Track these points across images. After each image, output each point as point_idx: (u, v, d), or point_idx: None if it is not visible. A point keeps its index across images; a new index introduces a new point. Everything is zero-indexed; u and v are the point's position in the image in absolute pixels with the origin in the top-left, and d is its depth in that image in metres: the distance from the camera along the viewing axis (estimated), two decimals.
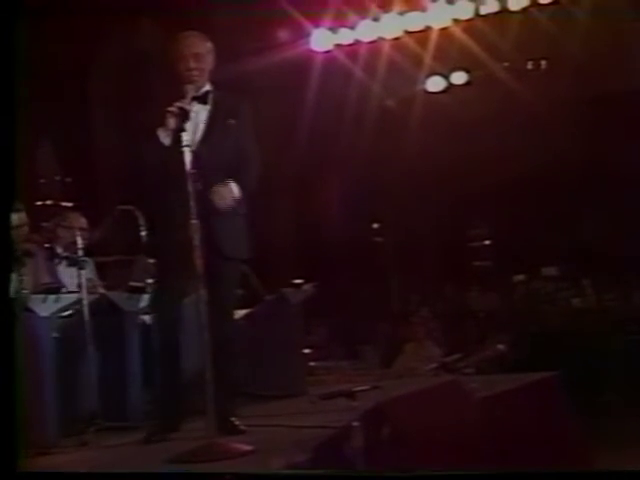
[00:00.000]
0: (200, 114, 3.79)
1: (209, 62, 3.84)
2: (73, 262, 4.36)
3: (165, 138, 3.65)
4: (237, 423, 3.70)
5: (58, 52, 7.36)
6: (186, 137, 3.56)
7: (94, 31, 7.48)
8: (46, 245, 4.76)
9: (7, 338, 2.92)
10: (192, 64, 3.76)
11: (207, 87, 3.86)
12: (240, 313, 5.27)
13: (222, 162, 3.78)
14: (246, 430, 3.68)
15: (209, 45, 3.86)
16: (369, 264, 9.33)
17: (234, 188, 3.73)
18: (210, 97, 3.84)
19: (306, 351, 5.98)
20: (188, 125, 3.62)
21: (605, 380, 6.51)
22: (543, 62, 8.39)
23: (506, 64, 8.42)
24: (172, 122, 3.61)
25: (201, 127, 3.79)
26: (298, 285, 5.43)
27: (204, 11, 7.13)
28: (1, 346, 2.90)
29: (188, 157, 3.51)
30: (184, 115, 3.61)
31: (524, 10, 7.83)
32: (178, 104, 3.65)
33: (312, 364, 6.41)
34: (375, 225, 9.66)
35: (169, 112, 3.62)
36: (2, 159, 2.98)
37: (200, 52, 3.81)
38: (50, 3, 6.67)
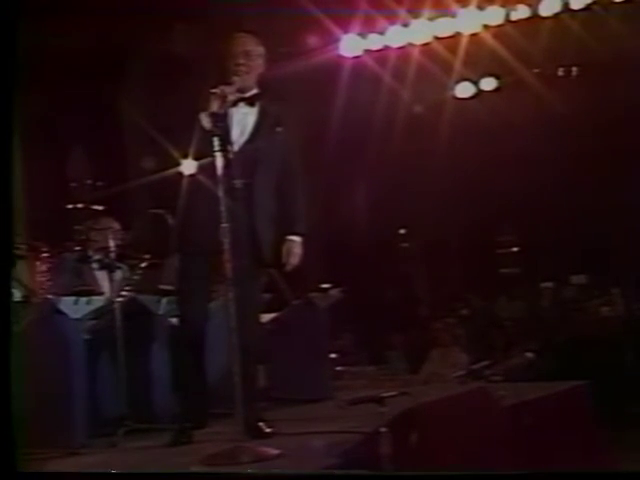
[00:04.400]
0: (248, 116, 3.81)
1: (259, 63, 3.86)
2: (105, 265, 4.41)
3: (205, 120, 3.56)
4: (264, 427, 3.71)
5: (78, 50, 7.42)
6: (232, 138, 3.61)
7: (114, 30, 7.52)
8: (78, 248, 4.82)
9: (4, 339, 2.96)
10: (241, 60, 3.79)
11: (255, 90, 3.87)
12: (267, 317, 5.30)
13: (264, 167, 3.80)
14: (273, 434, 3.69)
15: (261, 48, 3.88)
16: (396, 270, 9.33)
17: (299, 245, 3.87)
18: (258, 101, 3.85)
19: (333, 356, 5.98)
20: (235, 127, 3.69)
21: (634, 391, 6.43)
22: (574, 69, 8.34)
23: (536, 70, 8.38)
24: (213, 119, 3.55)
25: (248, 130, 3.80)
26: (325, 290, 5.43)
27: (233, 15, 7.17)
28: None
29: (226, 159, 3.49)
30: (224, 115, 3.60)
31: (555, 16, 7.79)
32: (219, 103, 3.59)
33: (339, 369, 6.41)
34: (402, 231, 9.65)
35: (213, 96, 3.56)
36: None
37: (250, 50, 3.83)
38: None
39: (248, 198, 3.75)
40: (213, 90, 3.59)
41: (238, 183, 3.62)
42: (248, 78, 3.83)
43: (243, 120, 3.78)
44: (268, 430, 3.70)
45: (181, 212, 3.88)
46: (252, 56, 3.83)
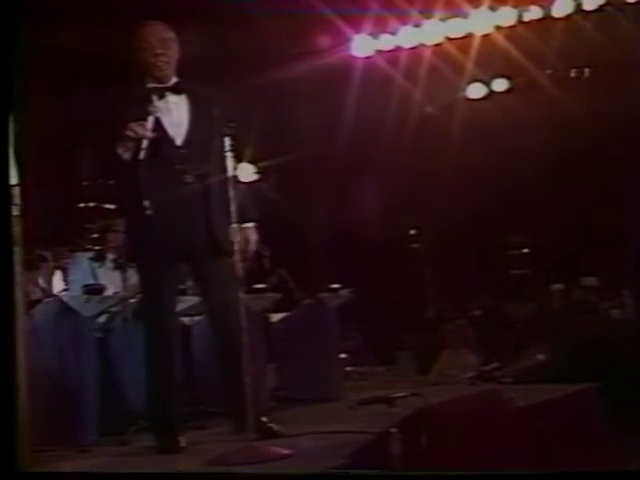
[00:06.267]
0: (180, 105, 3.70)
1: (175, 50, 3.74)
2: (119, 265, 4.42)
3: (124, 153, 3.53)
4: (274, 427, 3.71)
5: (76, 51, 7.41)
6: (171, 130, 3.59)
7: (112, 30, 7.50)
8: (89, 247, 4.84)
9: (7, 339, 2.98)
10: (159, 49, 3.67)
11: (175, 78, 3.75)
12: (277, 317, 5.32)
13: (211, 152, 3.64)
14: (283, 434, 3.69)
15: (172, 33, 3.75)
16: (406, 270, 9.31)
17: (254, 231, 3.73)
18: (183, 88, 3.73)
19: (342, 356, 5.98)
20: (170, 117, 3.62)
21: None
22: (587, 70, 8.31)
23: (549, 71, 8.35)
24: (138, 131, 3.50)
25: (185, 119, 3.69)
26: (335, 290, 5.44)
27: (245, 16, 7.18)
28: (2, 347, 2.96)
29: (174, 150, 3.52)
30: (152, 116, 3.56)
31: (568, 17, 7.76)
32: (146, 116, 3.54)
33: (348, 369, 6.41)
34: (413, 231, 9.63)
35: (131, 127, 3.49)
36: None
37: (166, 37, 3.71)
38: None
39: (203, 189, 3.61)
40: (128, 132, 3.49)
41: (189, 178, 3.57)
42: (169, 69, 3.72)
43: (177, 109, 3.68)
44: (278, 430, 3.70)
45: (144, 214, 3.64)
46: (168, 43, 3.71)
